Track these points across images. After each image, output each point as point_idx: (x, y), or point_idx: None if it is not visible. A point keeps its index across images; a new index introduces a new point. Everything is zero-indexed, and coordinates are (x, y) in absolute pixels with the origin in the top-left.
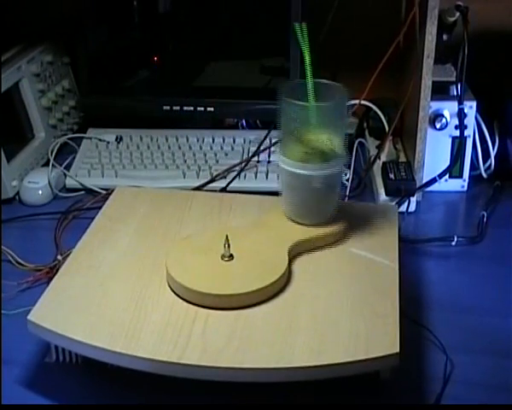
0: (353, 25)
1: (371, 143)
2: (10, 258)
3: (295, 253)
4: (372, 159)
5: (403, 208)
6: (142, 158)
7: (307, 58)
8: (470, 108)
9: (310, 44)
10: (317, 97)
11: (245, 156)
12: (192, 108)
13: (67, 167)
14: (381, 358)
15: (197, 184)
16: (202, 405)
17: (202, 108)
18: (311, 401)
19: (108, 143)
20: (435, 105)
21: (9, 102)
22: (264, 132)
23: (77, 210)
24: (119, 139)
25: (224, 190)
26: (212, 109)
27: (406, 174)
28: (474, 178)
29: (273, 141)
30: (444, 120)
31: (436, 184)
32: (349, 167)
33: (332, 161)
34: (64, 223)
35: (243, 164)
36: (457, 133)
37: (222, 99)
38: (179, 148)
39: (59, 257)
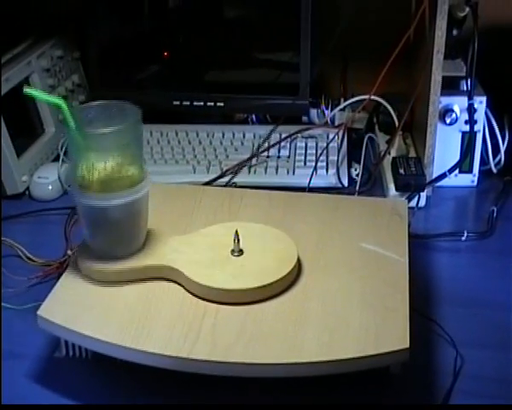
0: (363, 20)
1: (381, 138)
2: (20, 253)
3: None
4: (382, 154)
5: (413, 203)
6: (152, 153)
7: (62, 105)
8: (480, 102)
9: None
10: (112, 121)
11: (254, 152)
12: (202, 103)
13: None
14: (391, 353)
15: (207, 179)
16: (204, 405)
17: (212, 103)
18: (321, 396)
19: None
20: (445, 100)
21: (19, 97)
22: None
23: None
24: None
25: (233, 185)
26: (222, 104)
27: (416, 169)
28: (484, 173)
29: (283, 136)
30: (454, 115)
31: (446, 179)
32: (359, 162)
33: (131, 189)
34: (74, 218)
35: (253, 159)
36: (467, 128)
37: (232, 94)
38: (189, 143)
39: (69, 252)
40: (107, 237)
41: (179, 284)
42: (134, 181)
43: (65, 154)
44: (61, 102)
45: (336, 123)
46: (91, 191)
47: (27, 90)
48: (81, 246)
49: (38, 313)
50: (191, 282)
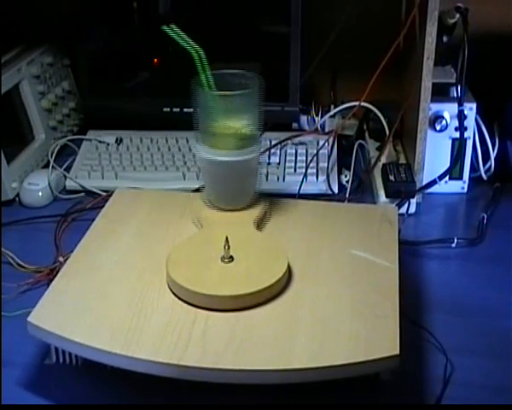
0: (353, 27)
1: (371, 145)
2: (10, 260)
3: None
4: (373, 162)
5: (403, 210)
6: (142, 160)
7: (197, 55)
8: (470, 109)
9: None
10: (233, 87)
11: None
12: (192, 110)
13: (67, 169)
14: (381, 360)
15: (197, 185)
16: (202, 405)
17: None
18: (311, 402)
19: (108, 144)
20: (435, 107)
21: (9, 104)
22: (264, 134)
23: (77, 212)
24: (118, 141)
25: None
26: None
27: (406, 176)
28: (474, 180)
29: (273, 142)
30: (444, 122)
31: (436, 185)
32: (349, 169)
33: (249, 147)
34: (64, 225)
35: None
36: (457, 135)
37: None
38: (179, 149)
39: (60, 259)
40: (222, 190)
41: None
42: (251, 141)
43: (55, 160)
44: (194, 49)
45: (326, 130)
46: (215, 148)
47: (167, 29)
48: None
49: (29, 319)
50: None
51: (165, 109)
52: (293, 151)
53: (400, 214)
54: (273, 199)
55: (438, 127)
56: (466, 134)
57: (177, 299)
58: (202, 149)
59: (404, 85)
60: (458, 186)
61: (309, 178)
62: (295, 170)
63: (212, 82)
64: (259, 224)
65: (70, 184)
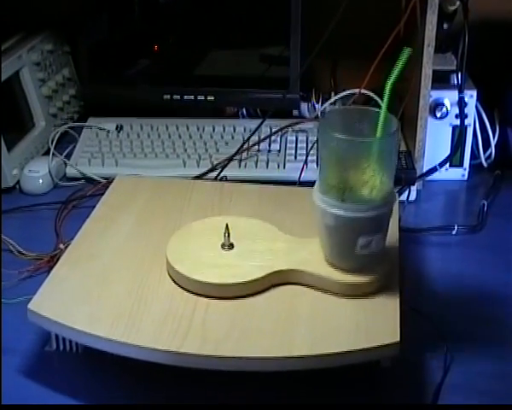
0: (354, 14)
1: None
2: (11, 247)
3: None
4: None
5: (403, 197)
6: (143, 147)
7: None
8: (471, 96)
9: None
10: (366, 129)
11: (245, 145)
12: (192, 97)
13: (68, 156)
14: (381, 347)
15: (197, 172)
16: (202, 405)
17: (203, 97)
18: (311, 391)
19: (109, 131)
20: (436, 94)
21: (10, 91)
22: (264, 122)
23: (77, 199)
24: (119, 128)
25: (224, 178)
26: (212, 98)
27: (406, 163)
28: (475, 167)
29: (273, 130)
30: (444, 109)
31: (436, 173)
32: None
33: (381, 202)
34: (64, 212)
35: (243, 152)
36: (458, 122)
37: (222, 88)
38: (179, 137)
39: (61, 246)
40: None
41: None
42: (383, 194)
43: (55, 148)
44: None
45: None
46: (340, 200)
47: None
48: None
49: (29, 306)
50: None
51: (165, 97)
52: (294, 138)
53: (401, 202)
54: (272, 187)
55: (438, 114)
56: (466, 121)
57: (177, 287)
58: (325, 200)
59: (405, 72)
60: (459, 173)
61: (309, 165)
62: (296, 157)
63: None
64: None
65: (70, 171)
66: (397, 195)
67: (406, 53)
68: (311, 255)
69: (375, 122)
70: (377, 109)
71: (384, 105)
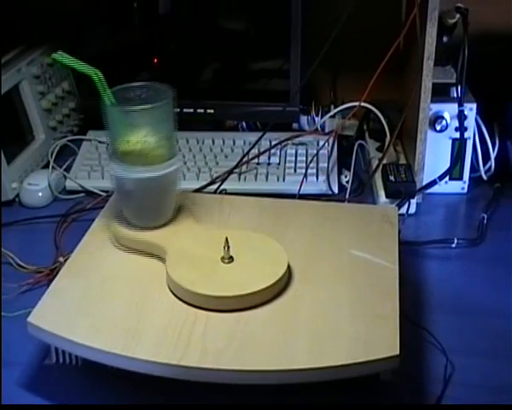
0: (354, 27)
1: (371, 145)
2: (11, 260)
3: None
4: (374, 163)
5: (403, 210)
6: None
7: (96, 77)
8: (470, 109)
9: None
10: (148, 100)
11: (245, 158)
12: (192, 110)
13: (67, 169)
14: (381, 360)
15: (197, 186)
16: (202, 405)
17: (202, 110)
18: (312, 403)
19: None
20: (435, 107)
21: (10, 104)
22: (264, 135)
23: (77, 212)
24: None
25: (224, 191)
26: (212, 111)
27: (406, 176)
28: (474, 181)
29: (273, 143)
30: (444, 122)
31: (436, 186)
32: (349, 169)
33: (164, 163)
34: (64, 225)
35: (243, 166)
36: (457, 135)
37: (222, 101)
38: (179, 149)
39: (60, 259)
40: (135, 208)
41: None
42: (164, 158)
43: (55, 161)
44: (93, 72)
45: (326, 130)
46: (125, 164)
47: (56, 56)
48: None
49: (29, 319)
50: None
51: None
52: (294, 151)
53: (400, 215)
54: (272, 200)
55: (438, 127)
56: (466, 134)
57: (177, 299)
58: (116, 166)
59: (405, 86)
60: (458, 186)
61: (309, 178)
62: (295, 170)
63: (113, 99)
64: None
65: (70, 184)
66: (396, 209)
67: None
68: None
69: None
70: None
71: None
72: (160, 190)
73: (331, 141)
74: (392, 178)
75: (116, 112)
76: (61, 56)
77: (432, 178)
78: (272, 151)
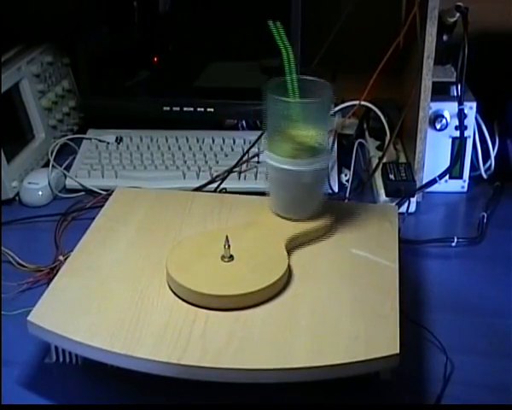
0: (353, 25)
1: (371, 144)
2: (11, 259)
3: (291, 247)
4: (374, 162)
5: (403, 209)
6: (142, 159)
7: (286, 55)
8: (470, 108)
9: (288, 42)
10: (303, 94)
11: (245, 157)
12: (192, 109)
13: (67, 168)
14: (380, 359)
15: (197, 184)
16: (202, 405)
17: (202, 109)
18: (311, 402)
19: (108, 143)
20: (435, 106)
21: (9, 103)
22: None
23: (77, 211)
24: (119, 140)
25: (223, 190)
26: (212, 110)
27: (406, 175)
28: (474, 179)
29: None
30: (444, 121)
31: (436, 184)
32: (349, 168)
33: (319, 156)
34: (64, 224)
35: (243, 164)
36: (457, 134)
37: (222, 100)
38: (179, 148)
39: (60, 258)
40: (288, 198)
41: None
42: (319, 151)
43: (55, 159)
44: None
45: None
46: (284, 157)
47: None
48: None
49: (29, 318)
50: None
51: (165, 108)
52: None
53: (400, 213)
54: (263, 200)
55: (438, 126)
56: (466, 133)
57: (177, 298)
58: (271, 156)
59: (404, 84)
60: (458, 185)
61: None
62: None
63: (296, 87)
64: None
65: (70, 183)
66: (396, 207)
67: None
68: None
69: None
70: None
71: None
72: (313, 184)
73: (331, 140)
74: (392, 176)
75: (292, 102)
76: (276, 27)
77: (432, 177)
78: None
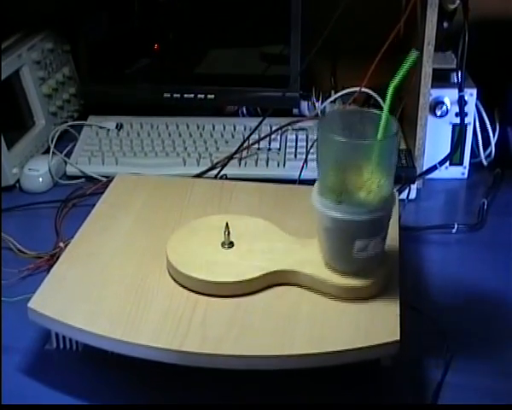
0: (354, 12)
1: None
2: (11, 245)
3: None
4: None
5: (403, 196)
6: (143, 145)
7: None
8: (471, 95)
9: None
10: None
11: (245, 144)
12: (192, 96)
13: (68, 155)
14: (381, 345)
15: (197, 171)
16: (203, 405)
17: (203, 96)
18: (311, 389)
19: (109, 130)
20: (436, 92)
21: (10, 90)
22: (264, 120)
23: (77, 198)
24: (119, 127)
25: (224, 177)
26: (212, 97)
27: (407, 162)
28: (475, 166)
29: (273, 128)
30: (444, 108)
31: (436, 171)
32: None
33: (378, 205)
34: (64, 210)
35: (243, 151)
36: (458, 121)
37: (222, 86)
38: (180, 135)
39: (60, 244)
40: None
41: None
42: (380, 198)
43: (55, 146)
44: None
45: None
46: (337, 202)
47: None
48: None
49: (29, 305)
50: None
51: (165, 95)
52: (294, 137)
53: (401, 200)
54: (272, 185)
55: (438, 113)
56: (466, 120)
57: (177, 285)
58: (323, 202)
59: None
60: (459, 172)
61: (309, 163)
62: (296, 156)
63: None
64: None
65: (70, 169)
66: (397, 194)
67: (414, 55)
68: (311, 256)
69: (375, 124)
70: (378, 111)
71: (386, 107)
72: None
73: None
74: None
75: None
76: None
77: (432, 164)
78: (273, 137)
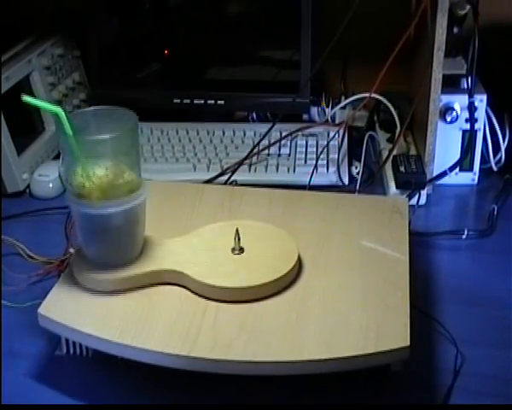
0: (364, 18)
1: (381, 137)
2: (21, 251)
3: None
4: (384, 154)
5: (413, 201)
6: (153, 151)
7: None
8: (481, 101)
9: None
10: (105, 126)
11: (255, 150)
12: (202, 101)
13: None
14: (391, 351)
15: (207, 177)
16: (203, 405)
17: (213, 101)
18: (321, 395)
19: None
20: (446, 98)
21: (20, 95)
22: (274, 126)
23: None
24: None
25: (234, 183)
26: (222, 102)
27: (417, 167)
28: (485, 172)
29: (283, 134)
30: (454, 113)
31: (446, 177)
32: (359, 160)
33: (130, 195)
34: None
35: (253, 157)
36: (468, 126)
37: (232, 92)
38: (189, 141)
39: (71, 250)
40: (104, 246)
41: (179, 285)
42: (132, 188)
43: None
44: (58, 110)
45: (337, 121)
46: (88, 199)
47: (26, 98)
48: (76, 254)
49: (39, 311)
50: (192, 280)
51: (175, 100)
52: (304, 142)
53: (411, 206)
54: (282, 191)
55: (448, 119)
56: (476, 126)
57: (187, 291)
58: (75, 200)
59: (415, 77)
60: (469, 178)
61: (319, 169)
62: (306, 161)
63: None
64: None
65: None
66: (407, 199)
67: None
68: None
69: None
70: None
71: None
72: (132, 222)
73: (341, 132)
74: (402, 169)
75: (74, 143)
76: (29, 99)
77: (442, 170)
78: (283, 142)
